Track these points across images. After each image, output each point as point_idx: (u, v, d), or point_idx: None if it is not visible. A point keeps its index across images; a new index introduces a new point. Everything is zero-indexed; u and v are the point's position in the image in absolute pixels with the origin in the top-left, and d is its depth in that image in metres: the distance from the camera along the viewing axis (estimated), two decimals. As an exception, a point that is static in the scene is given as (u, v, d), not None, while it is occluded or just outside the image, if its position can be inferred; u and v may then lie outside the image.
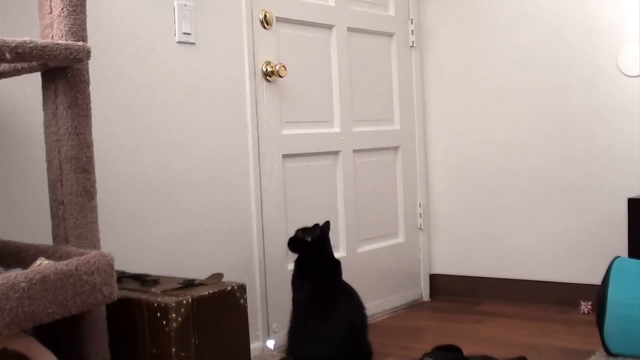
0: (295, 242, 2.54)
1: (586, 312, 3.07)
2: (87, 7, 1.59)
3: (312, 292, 2.43)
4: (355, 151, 3.14)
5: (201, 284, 1.83)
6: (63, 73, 1.55)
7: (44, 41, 1.46)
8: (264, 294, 2.70)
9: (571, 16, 3.12)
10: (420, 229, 3.51)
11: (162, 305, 1.67)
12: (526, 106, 3.26)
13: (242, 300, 1.81)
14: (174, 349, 1.65)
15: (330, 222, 2.59)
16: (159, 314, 1.67)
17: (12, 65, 1.61)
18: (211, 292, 1.75)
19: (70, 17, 1.54)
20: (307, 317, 2.36)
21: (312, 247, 2.52)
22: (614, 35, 3.03)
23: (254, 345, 2.50)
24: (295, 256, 2.57)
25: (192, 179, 2.47)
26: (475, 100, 3.40)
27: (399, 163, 3.40)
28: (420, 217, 3.51)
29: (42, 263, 1.50)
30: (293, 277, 2.54)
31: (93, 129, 1.60)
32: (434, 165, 3.55)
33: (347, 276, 3.06)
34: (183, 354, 1.67)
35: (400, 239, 3.42)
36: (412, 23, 3.46)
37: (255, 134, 2.68)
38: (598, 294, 2.45)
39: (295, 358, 2.33)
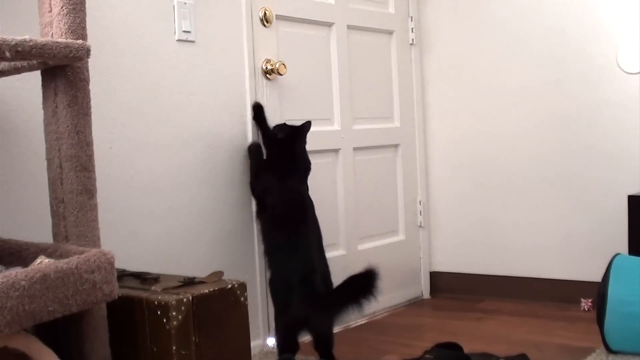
0: (267, 137, 2.57)
1: (586, 310, 3.07)
2: (87, 5, 1.59)
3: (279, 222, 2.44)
4: (355, 149, 3.14)
5: (201, 282, 1.83)
6: (63, 71, 1.55)
7: (43, 39, 1.46)
8: (265, 292, 2.70)
9: (571, 13, 3.12)
10: (420, 226, 3.51)
11: (163, 303, 1.67)
12: (526, 103, 3.26)
13: (242, 298, 1.81)
14: (174, 347, 1.66)
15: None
16: (159, 312, 1.67)
17: (12, 63, 1.61)
18: (211, 290, 1.75)
19: (70, 16, 1.54)
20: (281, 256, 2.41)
21: (280, 143, 2.54)
22: (613, 32, 3.03)
23: (255, 343, 2.50)
24: None
25: (193, 177, 2.47)
26: (475, 98, 3.40)
27: (399, 160, 3.40)
28: (421, 214, 3.51)
29: (42, 261, 1.50)
30: (256, 172, 2.57)
31: (93, 127, 1.60)
32: (434, 163, 3.55)
33: (347, 274, 3.07)
34: (183, 352, 1.67)
35: (401, 236, 3.42)
36: (412, 20, 3.46)
37: (256, 131, 2.68)
38: (598, 291, 2.45)
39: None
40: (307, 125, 2.58)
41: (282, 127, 2.59)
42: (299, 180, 2.54)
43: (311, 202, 2.52)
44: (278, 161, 2.54)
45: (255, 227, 2.66)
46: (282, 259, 2.40)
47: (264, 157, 2.59)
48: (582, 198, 3.14)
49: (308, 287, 2.32)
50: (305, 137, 2.60)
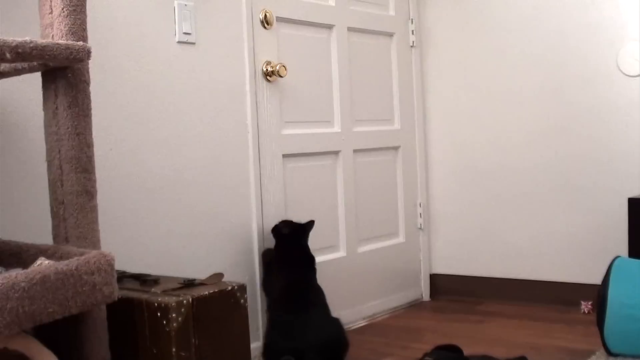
0: (274, 231, 2.63)
1: (586, 312, 3.07)
2: (88, 7, 1.59)
3: (287, 286, 2.52)
4: (355, 151, 3.14)
5: (201, 283, 1.83)
6: (63, 73, 1.55)
7: (44, 41, 1.46)
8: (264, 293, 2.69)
9: (571, 16, 3.12)
10: (420, 228, 3.51)
11: (163, 305, 1.67)
12: (526, 106, 3.26)
13: (242, 300, 1.81)
14: (174, 349, 1.66)
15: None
16: (159, 314, 1.67)
17: (13, 65, 1.61)
18: (211, 292, 1.75)
19: (70, 17, 1.54)
20: (287, 310, 2.45)
21: (286, 239, 2.61)
22: (614, 35, 3.03)
23: (254, 345, 2.49)
24: None
25: (193, 178, 2.47)
26: (476, 100, 3.40)
27: (399, 163, 3.40)
28: (421, 216, 3.51)
29: (42, 263, 1.50)
30: (267, 262, 2.64)
31: (93, 129, 1.60)
32: (434, 165, 3.55)
33: (347, 276, 3.07)
34: (183, 354, 1.67)
35: (401, 238, 3.42)
36: (412, 23, 3.46)
37: (256, 133, 2.68)
38: (598, 294, 2.44)
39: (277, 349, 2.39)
40: (310, 224, 2.67)
41: (287, 224, 2.65)
42: (306, 271, 2.62)
43: (319, 289, 2.57)
44: (286, 257, 2.61)
45: (256, 228, 2.66)
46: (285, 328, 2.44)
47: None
48: (582, 200, 3.14)
49: None
50: (308, 235, 2.67)
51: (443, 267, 3.55)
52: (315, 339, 2.36)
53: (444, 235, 3.54)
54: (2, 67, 1.65)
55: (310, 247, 2.66)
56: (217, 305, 1.75)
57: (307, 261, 2.63)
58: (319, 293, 2.56)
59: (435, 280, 3.55)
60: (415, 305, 3.43)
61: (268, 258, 2.66)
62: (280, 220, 2.71)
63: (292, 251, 2.61)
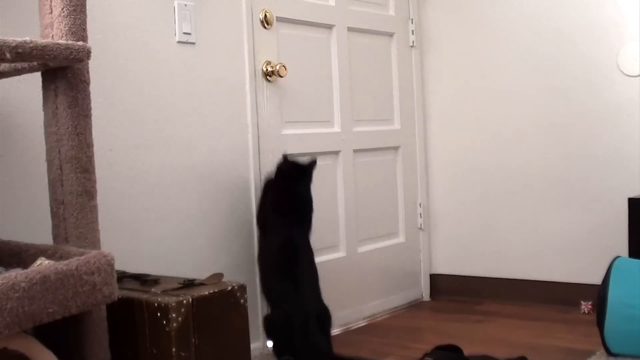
0: (278, 170, 2.53)
1: (586, 312, 3.07)
2: (87, 7, 1.59)
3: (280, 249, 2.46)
4: (355, 151, 3.14)
5: (201, 283, 1.83)
6: (63, 73, 1.55)
7: (44, 41, 1.46)
8: (264, 293, 2.69)
9: (571, 16, 3.12)
10: (420, 228, 3.51)
11: (163, 305, 1.67)
12: (526, 106, 3.26)
13: (242, 300, 1.81)
14: (174, 349, 1.65)
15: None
16: (159, 314, 1.67)
17: (13, 65, 1.61)
18: (211, 292, 1.75)
19: (70, 17, 1.54)
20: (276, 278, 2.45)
21: (281, 183, 2.53)
22: (614, 34, 3.03)
23: (254, 345, 2.49)
24: None
25: (193, 178, 2.47)
26: (476, 100, 3.40)
27: (399, 163, 3.40)
28: (421, 216, 3.51)
29: (42, 263, 1.50)
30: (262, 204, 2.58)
31: (93, 129, 1.60)
32: (434, 165, 3.55)
33: (347, 276, 3.07)
34: (183, 354, 1.67)
35: (401, 238, 3.42)
36: (412, 23, 3.46)
37: (256, 133, 2.68)
38: (598, 294, 2.44)
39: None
40: (313, 165, 2.55)
41: (286, 165, 2.55)
42: (298, 224, 2.52)
43: (309, 247, 2.51)
44: (281, 204, 2.52)
45: (255, 229, 2.66)
46: (279, 301, 2.46)
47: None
48: (582, 200, 3.14)
49: (305, 337, 2.38)
50: (312, 177, 2.56)
51: (443, 267, 3.55)
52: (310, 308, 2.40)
53: (444, 235, 3.54)
54: (2, 67, 1.65)
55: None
56: (217, 305, 1.75)
57: (304, 212, 2.54)
58: (309, 253, 2.50)
59: (435, 280, 3.55)
60: (415, 305, 3.43)
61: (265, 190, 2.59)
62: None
63: (290, 197, 2.51)
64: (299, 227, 2.51)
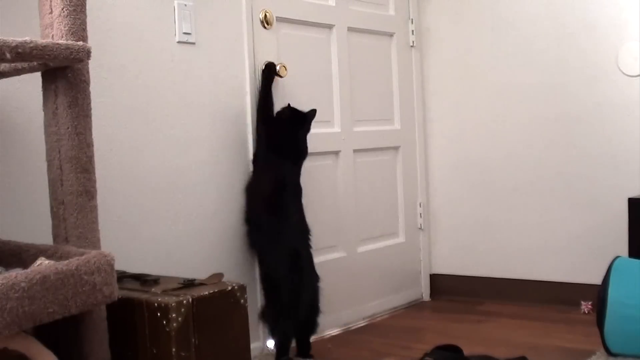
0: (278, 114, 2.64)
1: (586, 312, 3.07)
2: (87, 7, 1.59)
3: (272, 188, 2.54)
4: (355, 151, 3.14)
5: (201, 283, 1.83)
6: (63, 73, 1.55)
7: (44, 41, 1.47)
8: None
9: (571, 15, 3.12)
10: (420, 228, 3.51)
11: (163, 305, 1.67)
12: (526, 106, 3.26)
13: (242, 300, 1.81)
14: (174, 349, 1.66)
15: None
16: (159, 314, 1.67)
17: (13, 65, 1.61)
18: (211, 292, 1.75)
19: (70, 17, 1.54)
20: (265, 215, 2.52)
21: (280, 125, 2.62)
22: (614, 34, 3.03)
23: (254, 345, 2.49)
24: None
25: (193, 178, 2.47)
26: (476, 100, 3.40)
27: (399, 163, 3.40)
28: (421, 216, 3.51)
29: (42, 263, 1.50)
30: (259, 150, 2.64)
31: (93, 129, 1.60)
32: (434, 165, 3.55)
33: (347, 276, 3.07)
34: (183, 354, 1.67)
35: (401, 238, 3.42)
36: (412, 23, 3.46)
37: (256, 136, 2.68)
38: (598, 294, 2.45)
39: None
40: (313, 113, 2.66)
41: (288, 111, 2.65)
42: (293, 164, 2.63)
43: (299, 187, 2.61)
44: (278, 144, 2.60)
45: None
46: (267, 245, 2.51)
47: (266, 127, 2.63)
48: (582, 200, 3.14)
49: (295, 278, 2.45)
50: (310, 125, 2.66)
51: (443, 267, 3.55)
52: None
53: (444, 235, 3.53)
54: (2, 67, 1.65)
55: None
56: (217, 305, 1.75)
57: (298, 156, 2.64)
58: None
59: (436, 280, 3.55)
60: (415, 305, 3.43)
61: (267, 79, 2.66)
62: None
63: (288, 138, 2.61)
64: (293, 166, 2.62)
